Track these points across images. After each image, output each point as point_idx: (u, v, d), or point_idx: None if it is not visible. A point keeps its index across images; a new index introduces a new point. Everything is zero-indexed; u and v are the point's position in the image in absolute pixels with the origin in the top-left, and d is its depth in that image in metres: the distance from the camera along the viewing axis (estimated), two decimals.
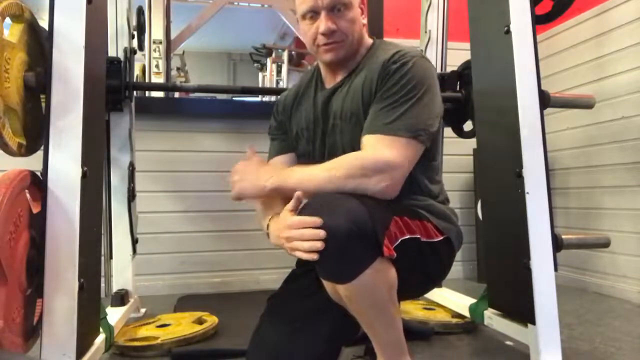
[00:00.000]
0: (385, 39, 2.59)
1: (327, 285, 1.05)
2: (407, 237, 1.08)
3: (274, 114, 1.39)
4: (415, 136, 1.08)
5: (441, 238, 1.16)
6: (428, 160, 1.22)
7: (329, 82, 1.26)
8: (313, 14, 1.15)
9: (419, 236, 1.11)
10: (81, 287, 1.15)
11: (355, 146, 1.16)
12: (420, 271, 1.15)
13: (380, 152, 1.07)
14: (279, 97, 1.41)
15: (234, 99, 3.55)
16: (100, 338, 1.37)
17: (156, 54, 3.03)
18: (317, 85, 1.30)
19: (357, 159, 1.07)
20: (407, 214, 1.12)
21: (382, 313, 1.03)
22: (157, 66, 3.03)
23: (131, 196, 1.97)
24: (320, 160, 1.24)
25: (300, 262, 1.35)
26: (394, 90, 1.11)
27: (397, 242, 1.04)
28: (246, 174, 1.14)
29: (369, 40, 1.27)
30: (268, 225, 1.15)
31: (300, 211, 1.02)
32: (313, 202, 1.02)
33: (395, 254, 1.01)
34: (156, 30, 3.05)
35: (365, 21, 1.23)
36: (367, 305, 1.02)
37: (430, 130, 1.12)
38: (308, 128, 1.28)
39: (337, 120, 1.21)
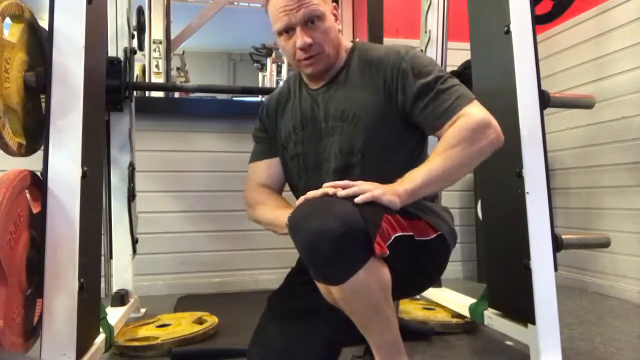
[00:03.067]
0: (385, 39, 2.62)
1: (321, 287, 1.05)
2: (400, 234, 1.07)
3: (259, 117, 1.39)
4: (471, 95, 1.16)
5: (434, 235, 1.16)
6: (415, 158, 1.21)
7: (314, 84, 1.27)
8: (289, 30, 1.16)
9: (412, 234, 1.11)
10: (81, 287, 1.15)
11: (355, 145, 1.17)
12: (416, 270, 1.15)
13: (471, 115, 1.11)
14: (264, 100, 1.42)
15: (234, 99, 3.55)
16: (100, 338, 1.37)
17: (156, 54, 3.04)
18: (301, 87, 1.30)
19: (460, 129, 1.09)
20: (399, 212, 1.11)
21: (376, 314, 1.03)
22: (157, 66, 3.04)
23: (131, 196, 1.97)
24: (314, 162, 1.24)
25: (299, 264, 1.35)
26: (427, 78, 1.15)
27: (391, 240, 1.04)
28: (364, 187, 1.03)
29: (347, 44, 1.28)
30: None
31: (290, 215, 1.02)
32: (305, 206, 1.02)
33: (387, 252, 1.01)
34: (156, 30, 3.05)
35: (340, 27, 1.24)
36: (361, 306, 1.02)
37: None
38: (296, 130, 1.27)
39: (337, 122, 1.20)
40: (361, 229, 0.96)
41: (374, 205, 1.03)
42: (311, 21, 1.15)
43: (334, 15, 1.22)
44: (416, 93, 1.15)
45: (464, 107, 1.12)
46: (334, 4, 1.24)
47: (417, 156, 1.23)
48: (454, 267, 2.87)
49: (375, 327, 1.05)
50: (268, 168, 1.34)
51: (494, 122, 1.11)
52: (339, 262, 0.96)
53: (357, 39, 2.84)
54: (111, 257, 1.97)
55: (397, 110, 1.18)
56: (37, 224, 1.13)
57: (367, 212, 0.99)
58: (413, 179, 1.06)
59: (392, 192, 1.03)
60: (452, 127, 1.11)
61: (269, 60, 4.66)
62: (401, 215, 1.11)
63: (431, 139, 1.43)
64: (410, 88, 1.15)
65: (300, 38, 1.14)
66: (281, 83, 4.40)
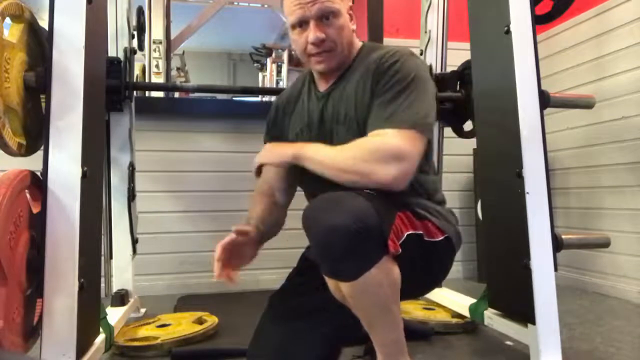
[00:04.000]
0: (385, 39, 2.62)
1: (330, 282, 1.05)
2: (412, 232, 1.08)
3: (267, 122, 1.38)
4: (415, 127, 1.07)
5: (442, 238, 1.16)
6: (423, 160, 1.19)
7: (322, 85, 1.26)
8: (302, 23, 1.15)
9: (422, 232, 1.12)
10: (81, 287, 1.15)
11: None
12: (423, 270, 1.15)
13: (392, 140, 1.05)
14: (272, 104, 1.41)
15: (234, 99, 3.55)
16: (100, 338, 1.37)
17: (156, 54, 3.03)
18: (310, 89, 1.29)
19: (372, 143, 1.07)
20: (410, 211, 1.13)
21: (384, 312, 1.03)
22: (157, 66, 3.03)
23: (131, 196, 1.97)
24: None
25: (301, 262, 1.35)
26: (389, 85, 1.11)
27: (403, 238, 1.04)
28: (268, 150, 1.22)
29: (358, 44, 1.27)
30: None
31: (305, 209, 1.02)
32: (319, 200, 1.02)
33: (400, 250, 1.01)
34: (156, 30, 3.05)
35: (354, 27, 1.22)
36: (369, 304, 1.02)
37: (428, 122, 1.11)
38: (303, 133, 1.27)
39: (334, 125, 1.20)
40: (376, 225, 0.96)
41: (387, 202, 1.03)
42: (326, 17, 1.13)
43: (350, 14, 1.20)
44: (378, 92, 1.13)
45: (393, 129, 1.06)
46: (351, 3, 1.21)
47: None
48: (454, 267, 2.83)
49: (381, 325, 1.05)
50: (277, 172, 1.32)
51: (407, 164, 1.03)
52: (352, 258, 0.96)
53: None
54: (111, 257, 1.97)
55: None
56: (37, 224, 1.13)
57: (381, 209, 0.99)
58: (306, 150, 1.11)
59: (266, 152, 1.20)
60: (371, 139, 1.07)
61: (269, 60, 4.65)
62: (412, 213, 1.12)
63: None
64: (378, 88, 1.13)
65: (313, 32, 1.13)
66: (281, 83, 4.41)
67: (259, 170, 1.24)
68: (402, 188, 1.04)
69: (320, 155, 1.09)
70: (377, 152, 1.04)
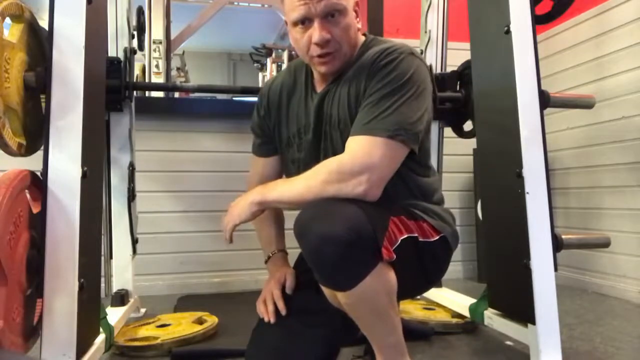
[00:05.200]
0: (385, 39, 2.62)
1: (326, 291, 1.05)
2: (406, 236, 1.07)
3: (257, 111, 1.32)
4: (394, 136, 1.02)
5: (437, 238, 1.15)
6: (419, 160, 1.18)
7: (320, 85, 1.21)
8: (305, 21, 1.08)
9: (416, 235, 1.10)
10: (81, 287, 1.15)
11: (340, 151, 1.10)
12: (419, 271, 1.14)
13: (357, 154, 1.02)
14: (261, 90, 1.34)
15: (234, 99, 3.55)
16: (100, 338, 1.37)
17: (156, 54, 3.04)
18: (308, 86, 1.23)
19: (333, 163, 1.03)
20: (404, 213, 1.11)
21: (382, 318, 1.03)
22: (157, 66, 3.04)
23: (131, 196, 1.97)
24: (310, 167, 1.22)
25: (299, 263, 1.35)
26: (377, 87, 1.07)
27: (397, 243, 1.04)
28: (233, 210, 1.15)
29: (361, 39, 1.19)
30: (268, 259, 1.33)
31: (297, 217, 1.00)
32: (310, 210, 1.00)
33: (394, 256, 1.00)
34: (156, 30, 3.05)
35: (359, 25, 1.16)
36: (367, 311, 1.01)
37: (413, 131, 1.05)
38: (300, 134, 1.23)
39: (327, 127, 1.17)
40: (369, 234, 0.95)
41: (380, 207, 1.02)
42: (331, 15, 1.07)
43: (355, 11, 1.14)
44: (367, 93, 1.09)
45: (369, 136, 1.02)
46: None
47: (410, 156, 1.13)
48: (454, 267, 2.86)
49: (379, 330, 1.04)
50: (265, 165, 1.35)
51: (375, 174, 1.01)
52: (346, 268, 0.95)
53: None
54: (111, 257, 1.97)
55: None
56: (37, 224, 1.13)
57: (373, 215, 0.98)
58: (270, 192, 1.09)
59: (235, 211, 1.12)
60: (333, 159, 1.04)
61: (269, 60, 4.66)
62: (406, 216, 1.11)
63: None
64: (369, 88, 1.09)
65: (318, 32, 1.06)
66: None
67: (231, 236, 1.16)
68: (377, 196, 1.03)
69: (284, 192, 1.07)
70: (338, 172, 1.01)
